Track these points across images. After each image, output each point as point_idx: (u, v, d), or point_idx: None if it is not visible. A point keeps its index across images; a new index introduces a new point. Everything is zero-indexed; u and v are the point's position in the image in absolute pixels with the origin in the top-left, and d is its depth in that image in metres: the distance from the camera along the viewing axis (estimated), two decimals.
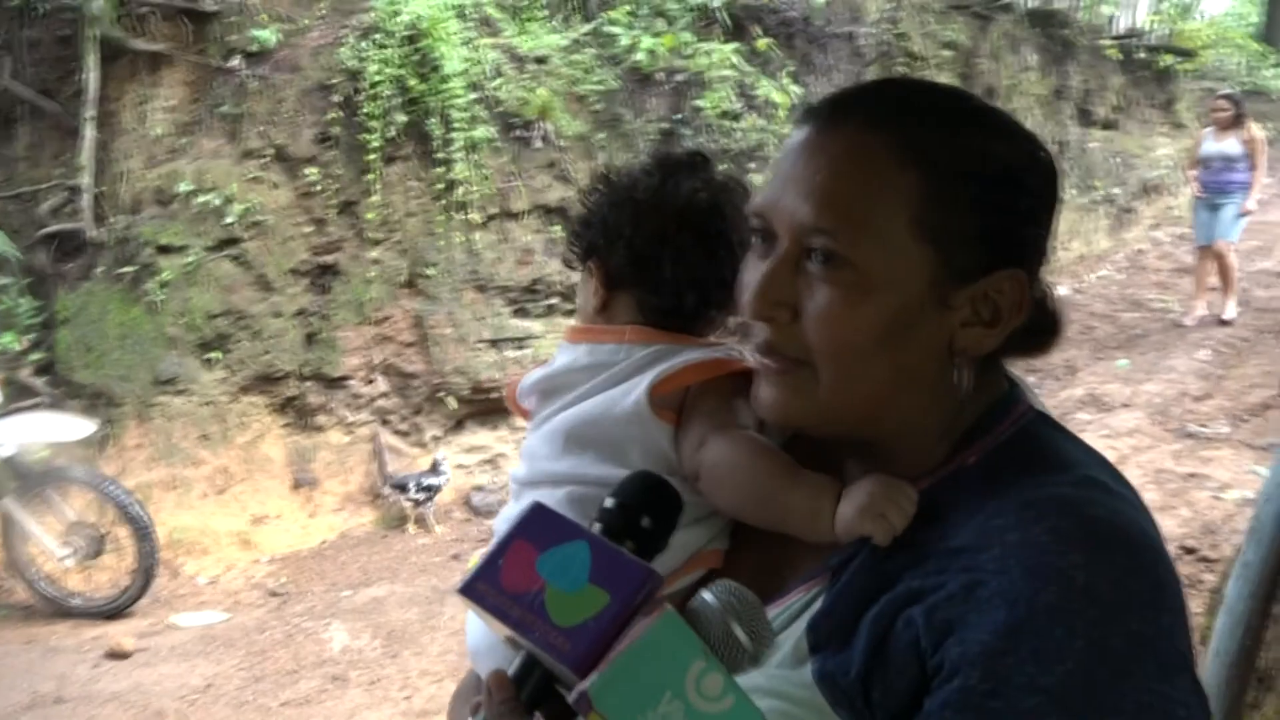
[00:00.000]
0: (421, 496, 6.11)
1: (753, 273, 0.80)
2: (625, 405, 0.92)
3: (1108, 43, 11.78)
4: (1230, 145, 8.31)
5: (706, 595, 0.68)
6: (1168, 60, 12.44)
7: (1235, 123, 8.27)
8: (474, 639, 0.99)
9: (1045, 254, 0.80)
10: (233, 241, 5.82)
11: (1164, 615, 0.66)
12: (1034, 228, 0.79)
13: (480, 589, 0.70)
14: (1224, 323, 8.47)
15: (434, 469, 6.18)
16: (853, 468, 0.83)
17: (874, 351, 0.75)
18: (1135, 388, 7.39)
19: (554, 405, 0.98)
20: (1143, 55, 12.28)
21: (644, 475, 0.77)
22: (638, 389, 0.92)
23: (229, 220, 5.75)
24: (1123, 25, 12.75)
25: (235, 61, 6.01)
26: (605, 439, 0.93)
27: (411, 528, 6.19)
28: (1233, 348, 8.04)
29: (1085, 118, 11.21)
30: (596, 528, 0.73)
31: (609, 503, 0.75)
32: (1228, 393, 7.28)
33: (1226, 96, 8.70)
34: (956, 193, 0.74)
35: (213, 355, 5.75)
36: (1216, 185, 8.31)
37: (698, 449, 0.89)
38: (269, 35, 6.04)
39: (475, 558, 5.24)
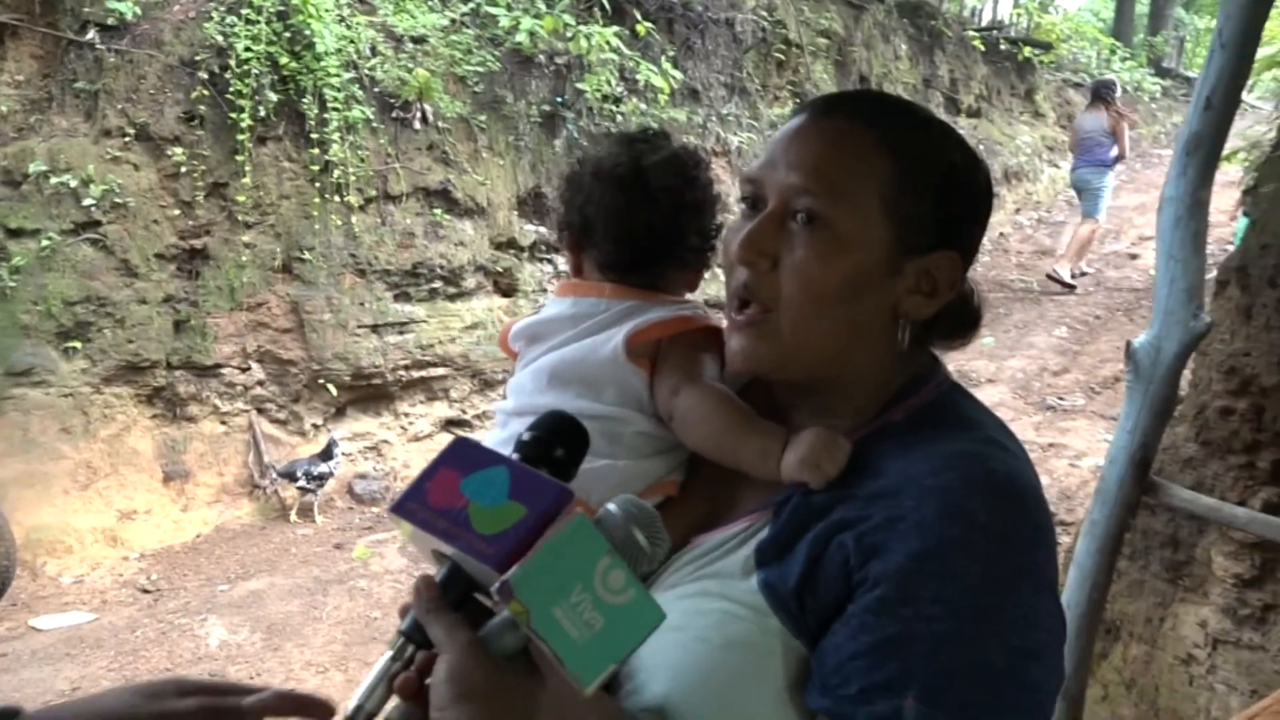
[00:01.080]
0: (312, 485, 5.96)
1: (740, 227, 0.94)
2: (605, 351, 1.06)
3: (973, 34, 12.29)
4: (1094, 124, 8.99)
5: (611, 506, 0.77)
6: (1028, 52, 13.05)
7: (1106, 104, 9.03)
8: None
9: (977, 247, 0.98)
10: (92, 225, 5.52)
11: (1039, 550, 0.84)
12: (972, 221, 0.96)
13: (409, 507, 0.79)
14: (1055, 278, 9.25)
15: (326, 454, 6.03)
16: (799, 418, 0.97)
17: (834, 303, 0.90)
18: (999, 364, 7.78)
19: (541, 348, 1.11)
20: (1005, 47, 12.85)
21: (558, 414, 0.87)
22: (616, 338, 1.06)
23: (87, 203, 5.45)
24: (986, 18, 13.30)
25: (91, 35, 5.69)
26: (585, 378, 1.06)
27: (294, 516, 6.04)
28: (1087, 325, 8.54)
29: (953, 106, 11.68)
30: (515, 457, 0.82)
31: (526, 435, 0.85)
32: (1083, 367, 7.74)
33: (1100, 79, 9.51)
34: (919, 181, 0.90)
35: (72, 345, 5.45)
36: (1083, 162, 9.03)
37: (671, 395, 1.03)
38: (127, 8, 5.72)
39: (361, 547, 5.16)
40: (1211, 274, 3.18)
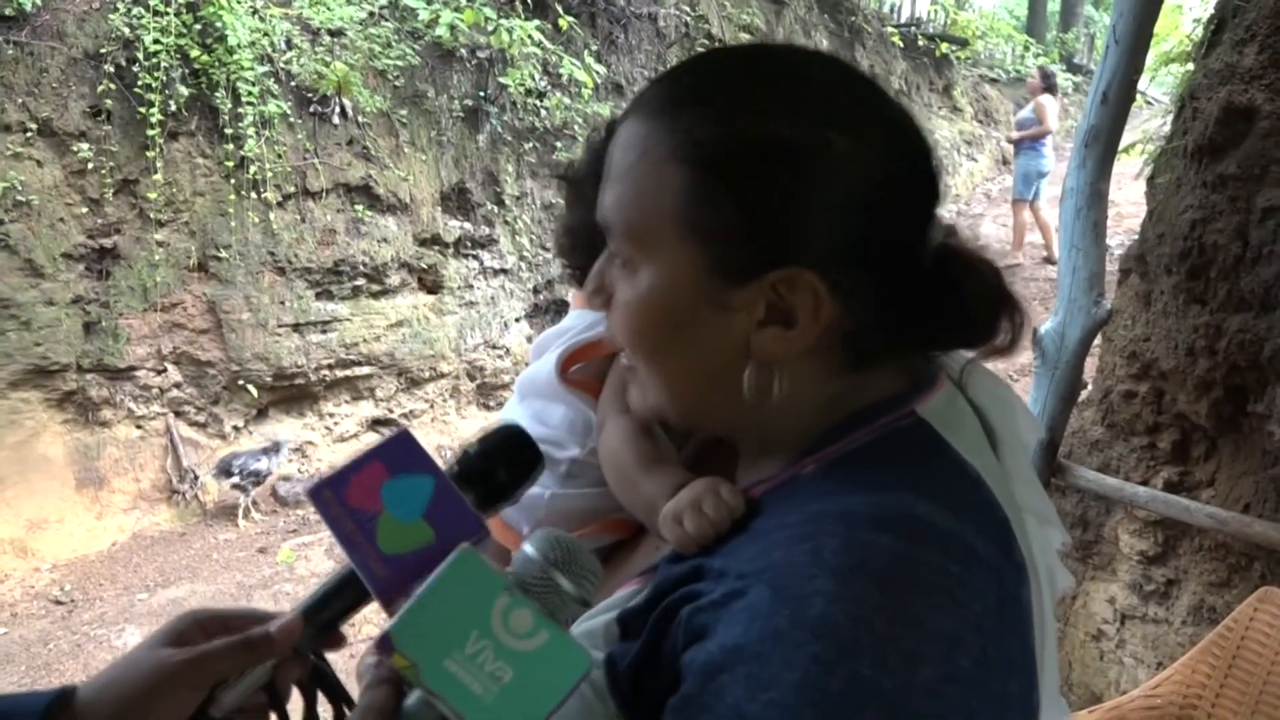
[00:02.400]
0: (246, 482, 5.82)
1: None
2: (546, 370, 0.98)
3: (892, 30, 12.52)
4: (1029, 111, 9.39)
5: (526, 547, 0.67)
6: (945, 48, 13.35)
7: (1041, 91, 9.41)
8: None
9: (856, 248, 0.69)
10: None
11: (922, 669, 0.56)
12: (812, 220, 0.68)
13: (325, 495, 0.72)
14: (1051, 263, 9.54)
15: (273, 449, 5.90)
16: (739, 460, 0.82)
17: (663, 350, 0.73)
18: None
19: (534, 361, 1.04)
20: (923, 43, 13.12)
21: (513, 430, 0.79)
22: (551, 359, 0.97)
23: None
24: (905, 14, 13.55)
25: None
26: (540, 395, 0.99)
27: (209, 520, 5.89)
28: None
29: None
30: (454, 469, 0.75)
31: (473, 448, 0.77)
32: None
33: (1039, 69, 9.90)
34: (719, 186, 0.68)
35: None
36: (1021, 148, 9.45)
37: (598, 431, 0.92)
38: None
39: (286, 550, 5.06)
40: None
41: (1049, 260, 9.54)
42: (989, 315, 0.75)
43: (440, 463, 0.74)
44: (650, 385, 0.76)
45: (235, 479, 5.81)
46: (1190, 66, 2.95)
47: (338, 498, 0.72)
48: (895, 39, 12.40)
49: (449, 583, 0.63)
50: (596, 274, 0.78)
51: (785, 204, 0.67)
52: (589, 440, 0.94)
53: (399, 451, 0.74)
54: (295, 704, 0.77)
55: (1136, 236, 3.03)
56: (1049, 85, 9.49)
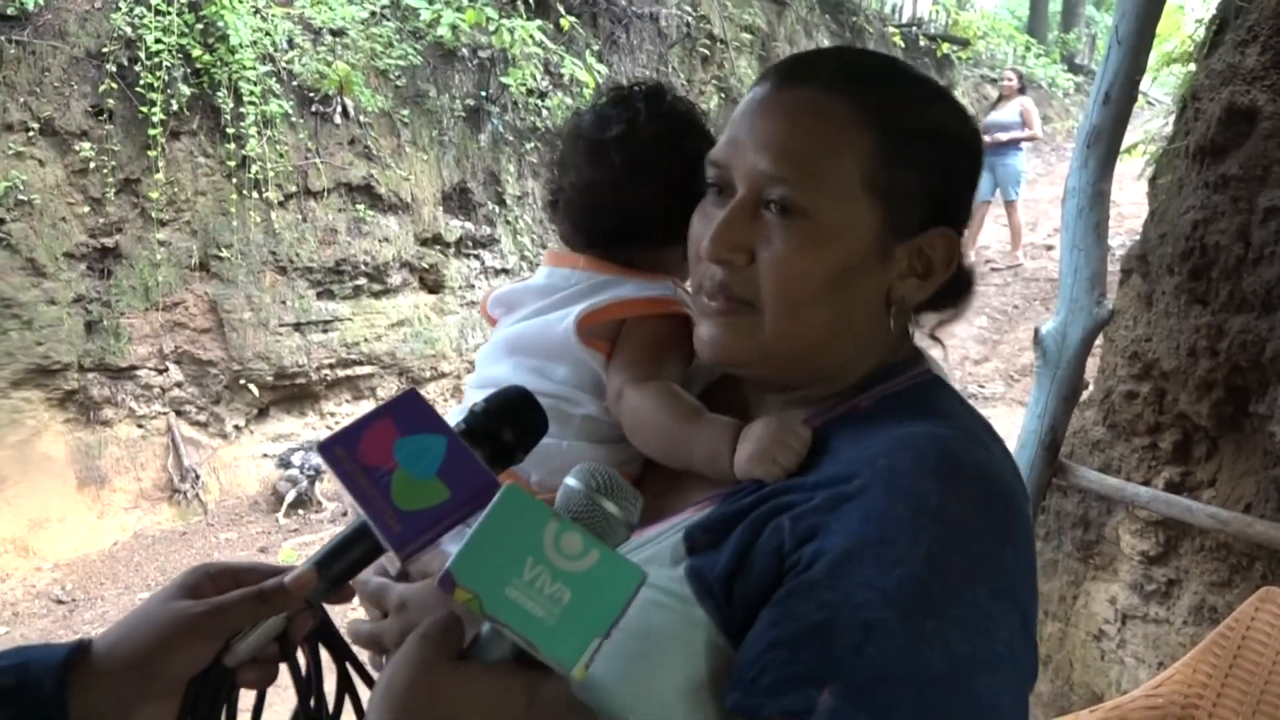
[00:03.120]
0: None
1: (707, 222, 0.84)
2: (560, 328, 0.98)
3: (893, 30, 12.52)
4: (1009, 113, 9.34)
5: (569, 480, 0.71)
6: (946, 48, 13.34)
7: (1016, 94, 9.39)
8: None
9: (970, 213, 0.89)
10: None
11: (1006, 552, 0.71)
12: (965, 189, 0.86)
13: (336, 452, 0.73)
14: (1015, 268, 9.60)
15: None
16: (764, 407, 0.89)
17: (821, 297, 0.81)
18: None
19: (510, 318, 1.05)
20: (924, 43, 13.12)
21: (519, 392, 0.82)
22: (571, 315, 0.98)
23: None
24: (906, 15, 13.56)
25: None
26: (540, 352, 1.00)
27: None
28: (1006, 315, 8.77)
29: None
30: (461, 427, 0.78)
31: (478, 406, 0.80)
32: (1002, 356, 7.95)
33: (1014, 70, 9.85)
34: (905, 153, 0.80)
35: None
36: (998, 148, 9.36)
37: (618, 399, 0.95)
38: None
39: (287, 550, 5.05)
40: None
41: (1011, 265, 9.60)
42: (967, 290, 0.91)
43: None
44: (776, 333, 0.82)
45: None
46: (1192, 67, 2.95)
47: (350, 454, 0.73)
48: (897, 39, 12.41)
49: (498, 517, 0.66)
50: (732, 226, 0.81)
51: (946, 176, 0.84)
52: (599, 396, 0.98)
53: (407, 409, 0.76)
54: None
55: (1138, 237, 3.03)
56: (1023, 87, 9.55)
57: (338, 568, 0.76)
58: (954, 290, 0.90)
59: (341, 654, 0.80)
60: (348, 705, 0.80)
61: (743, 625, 0.73)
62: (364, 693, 0.78)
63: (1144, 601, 3.01)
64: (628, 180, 1.01)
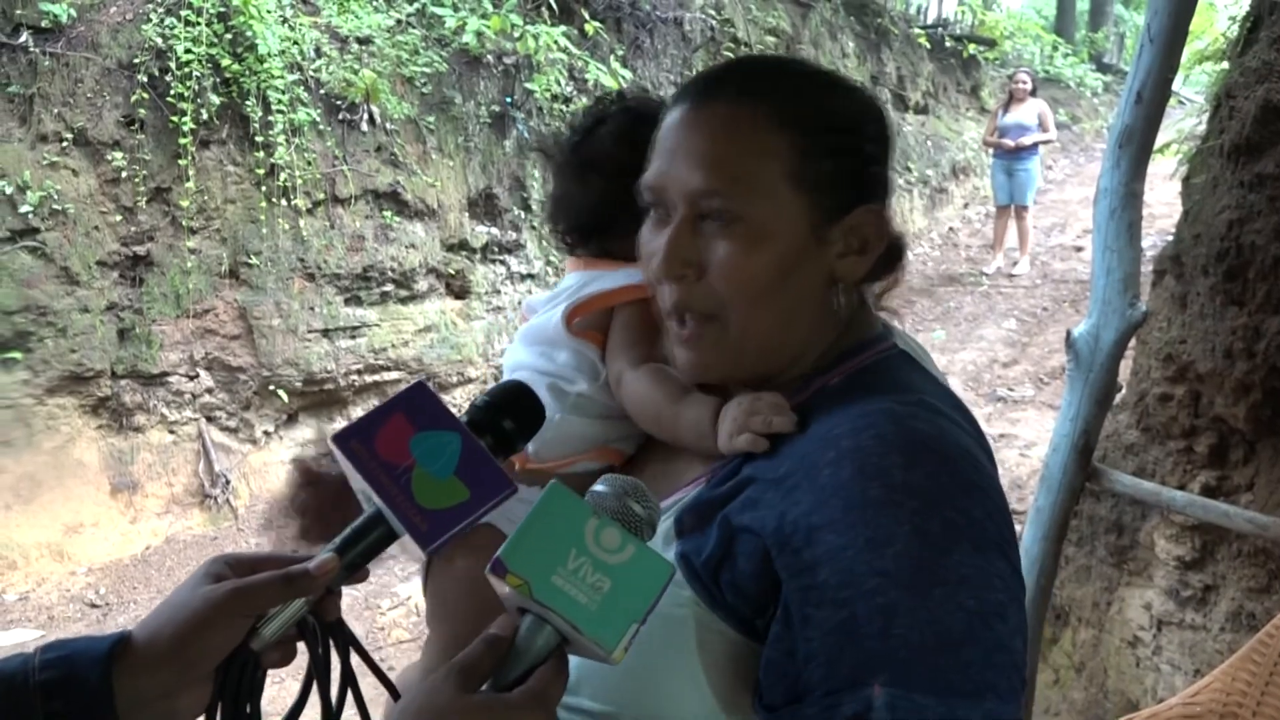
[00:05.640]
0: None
1: (655, 240, 0.91)
2: (552, 324, 1.10)
3: (919, 31, 12.44)
4: (1025, 116, 9.19)
5: (599, 486, 0.78)
6: (972, 49, 13.25)
7: (1031, 95, 9.27)
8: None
9: (890, 188, 0.96)
10: (30, 232, 5.38)
11: (975, 507, 0.77)
12: (879, 166, 0.93)
13: (354, 446, 0.78)
14: (1013, 276, 9.49)
15: None
16: (738, 388, 0.95)
17: (774, 291, 0.88)
18: (951, 356, 7.88)
19: (533, 317, 1.17)
20: (950, 44, 13.03)
21: (516, 385, 0.89)
22: (558, 313, 1.10)
23: (24, 209, 5.32)
24: (932, 15, 13.47)
25: (24, 38, 5.55)
26: (544, 342, 1.11)
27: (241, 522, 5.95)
28: (1035, 317, 8.68)
29: (900, 102, 11.81)
30: (465, 418, 0.83)
31: (480, 400, 0.86)
32: (1031, 359, 7.87)
33: (1026, 72, 9.71)
34: (820, 146, 0.87)
35: (12, 355, 5.32)
36: (1014, 152, 9.20)
37: (617, 383, 1.05)
38: (61, 10, 5.60)
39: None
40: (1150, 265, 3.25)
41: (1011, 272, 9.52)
42: (899, 256, 0.99)
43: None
44: (741, 336, 0.89)
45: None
46: (1225, 64, 2.91)
47: (368, 449, 0.78)
48: (922, 40, 12.33)
49: (544, 511, 0.73)
50: (679, 245, 0.88)
51: (859, 156, 0.91)
52: (593, 378, 1.08)
53: (417, 403, 0.81)
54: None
55: (1169, 237, 2.99)
56: (1035, 88, 9.45)
57: (355, 553, 0.80)
58: (889, 259, 0.96)
59: (348, 641, 0.83)
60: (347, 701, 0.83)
61: (735, 609, 0.81)
62: (363, 682, 0.82)
63: (1180, 608, 2.97)
64: (586, 176, 1.13)
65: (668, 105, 0.95)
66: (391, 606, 5.11)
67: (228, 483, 6.03)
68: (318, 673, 0.79)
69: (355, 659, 0.82)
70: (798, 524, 0.77)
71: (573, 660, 0.77)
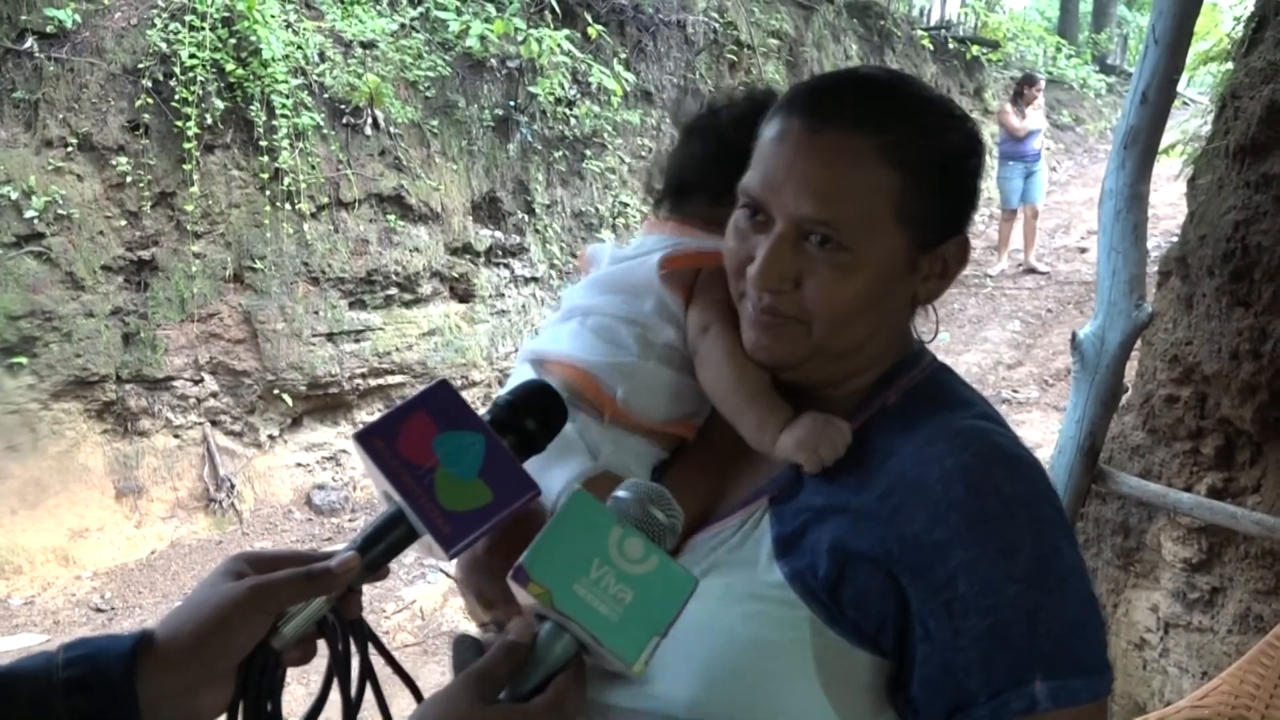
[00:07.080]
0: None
1: (749, 240, 0.93)
2: (645, 266, 1.09)
3: (921, 33, 12.44)
4: (1037, 120, 9.18)
5: (620, 493, 0.76)
6: (975, 51, 13.24)
7: (1036, 99, 9.28)
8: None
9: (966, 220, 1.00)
10: (35, 237, 5.39)
11: (1056, 505, 0.87)
12: (975, 196, 0.97)
13: (376, 445, 0.77)
14: (1034, 270, 9.51)
15: None
16: (798, 397, 0.97)
17: (863, 313, 0.91)
18: (955, 358, 7.87)
19: (603, 265, 1.16)
20: (953, 46, 13.03)
21: (541, 385, 0.88)
22: (653, 257, 1.09)
23: (29, 214, 5.33)
24: (934, 17, 13.47)
25: (29, 43, 5.57)
26: (628, 287, 1.10)
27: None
28: (1039, 319, 8.67)
29: None
30: (487, 417, 0.82)
31: (502, 399, 0.85)
32: (1036, 360, 7.86)
33: (1041, 76, 9.75)
34: (926, 184, 0.90)
35: (18, 360, 5.33)
36: (1033, 154, 9.21)
37: (701, 332, 1.04)
38: (66, 15, 5.61)
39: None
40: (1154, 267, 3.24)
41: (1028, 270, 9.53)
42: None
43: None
44: (825, 338, 0.92)
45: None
46: (1230, 65, 2.90)
47: (390, 448, 0.76)
48: (925, 42, 12.33)
49: (568, 519, 0.72)
50: (779, 258, 0.90)
51: (962, 191, 0.95)
52: (678, 329, 1.07)
53: (442, 404, 0.79)
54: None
55: (1173, 239, 2.98)
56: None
57: (376, 551, 0.79)
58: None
59: (369, 639, 0.82)
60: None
61: (853, 621, 0.84)
62: (383, 680, 0.81)
63: (1187, 610, 2.95)
64: (704, 146, 1.16)
65: (775, 106, 0.95)
66: (396, 610, 5.11)
67: (232, 487, 6.04)
68: (339, 670, 0.79)
69: (376, 658, 0.82)
70: (920, 541, 0.82)
71: (686, 684, 0.81)
